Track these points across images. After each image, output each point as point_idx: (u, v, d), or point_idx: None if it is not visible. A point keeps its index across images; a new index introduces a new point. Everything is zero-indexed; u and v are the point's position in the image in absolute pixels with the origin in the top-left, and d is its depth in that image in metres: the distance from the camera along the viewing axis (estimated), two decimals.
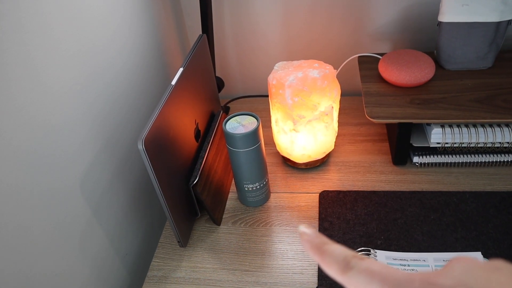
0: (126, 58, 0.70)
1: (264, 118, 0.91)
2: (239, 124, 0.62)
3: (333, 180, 0.74)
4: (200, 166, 0.65)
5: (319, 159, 0.75)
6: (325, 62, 0.69)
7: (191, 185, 0.63)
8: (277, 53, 0.95)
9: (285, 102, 0.66)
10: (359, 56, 0.84)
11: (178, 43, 0.93)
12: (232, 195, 0.74)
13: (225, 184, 0.73)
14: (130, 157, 0.70)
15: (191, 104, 0.66)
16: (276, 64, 0.69)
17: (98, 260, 0.61)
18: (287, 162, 0.78)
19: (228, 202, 0.72)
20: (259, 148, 0.63)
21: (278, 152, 0.81)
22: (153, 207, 0.80)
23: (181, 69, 0.63)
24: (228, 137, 0.61)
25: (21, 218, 0.46)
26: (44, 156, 0.49)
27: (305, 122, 0.67)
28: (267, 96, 0.97)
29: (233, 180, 0.77)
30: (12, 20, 0.44)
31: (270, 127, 0.86)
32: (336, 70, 0.68)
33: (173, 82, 0.60)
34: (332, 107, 0.69)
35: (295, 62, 0.70)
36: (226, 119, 0.63)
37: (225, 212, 0.71)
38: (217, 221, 0.67)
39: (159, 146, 0.54)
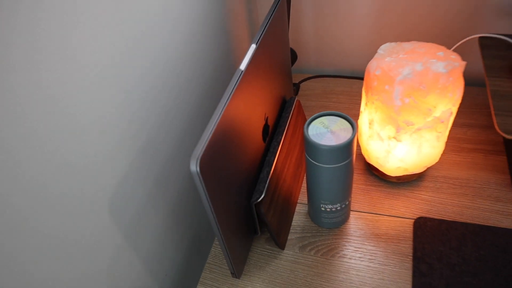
0: (174, 27, 0.54)
1: (343, 105, 0.74)
2: (326, 130, 0.45)
3: (431, 202, 0.57)
4: (268, 177, 0.49)
5: (416, 173, 0.58)
6: (431, 41, 0.50)
7: (254, 203, 0.48)
8: (366, 22, 0.75)
9: (391, 102, 0.48)
10: (480, 38, 0.64)
11: (244, 10, 0.75)
12: (300, 207, 0.59)
13: (294, 193, 0.58)
14: (175, 161, 0.56)
15: (262, 93, 0.50)
16: (382, 47, 0.51)
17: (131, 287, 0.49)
18: (372, 171, 0.61)
19: (295, 217, 0.58)
20: (349, 164, 0.47)
21: (361, 155, 0.64)
22: (200, 215, 0.66)
23: (253, 46, 0.46)
24: (310, 148, 0.45)
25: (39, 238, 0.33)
26: (69, 162, 0.36)
27: (412, 131, 0.50)
28: (350, 78, 0.78)
29: (302, 188, 0.61)
30: None
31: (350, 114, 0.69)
32: (464, 62, 0.49)
33: (243, 66, 0.44)
34: (451, 112, 0.50)
35: (407, 45, 0.51)
36: (308, 120, 0.46)
37: (291, 230, 0.56)
38: (281, 245, 0.53)
39: (218, 162, 0.39)
